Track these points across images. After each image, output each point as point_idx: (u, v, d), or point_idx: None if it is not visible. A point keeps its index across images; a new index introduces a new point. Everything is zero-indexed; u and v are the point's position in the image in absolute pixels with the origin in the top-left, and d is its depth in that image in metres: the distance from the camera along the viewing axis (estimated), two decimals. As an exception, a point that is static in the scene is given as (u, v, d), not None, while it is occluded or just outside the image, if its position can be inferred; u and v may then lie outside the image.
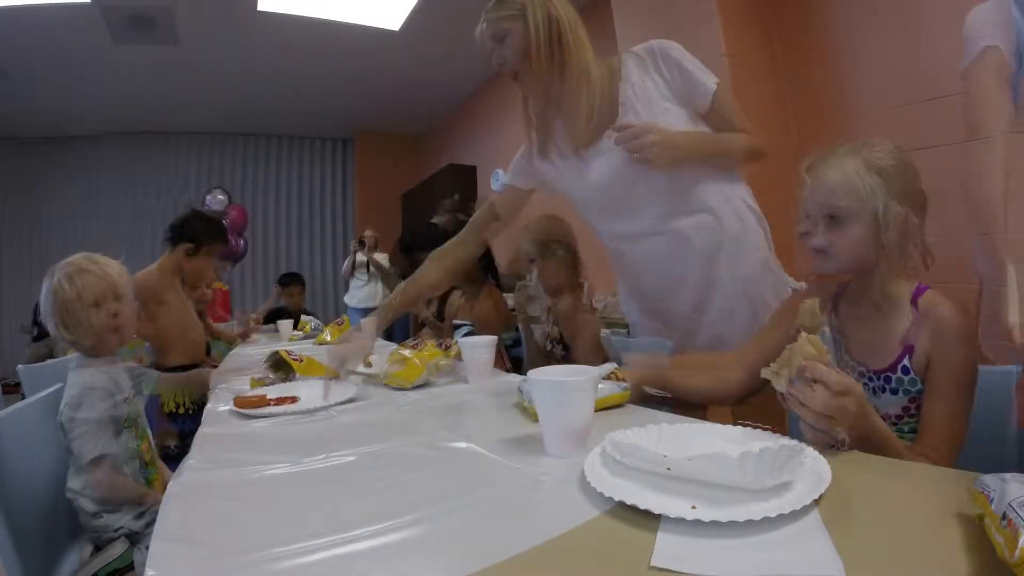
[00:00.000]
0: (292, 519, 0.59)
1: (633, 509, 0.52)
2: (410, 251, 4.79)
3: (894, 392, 0.88)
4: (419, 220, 6.11)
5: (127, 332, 1.23)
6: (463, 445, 0.81)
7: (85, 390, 1.11)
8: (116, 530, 1.10)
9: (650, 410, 0.97)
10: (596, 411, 0.84)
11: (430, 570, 0.48)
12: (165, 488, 1.22)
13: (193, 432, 1.32)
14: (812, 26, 2.45)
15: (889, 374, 0.88)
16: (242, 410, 1.05)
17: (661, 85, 1.21)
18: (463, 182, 5.40)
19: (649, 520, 0.51)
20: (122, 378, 1.23)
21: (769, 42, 2.56)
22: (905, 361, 0.86)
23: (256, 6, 3.65)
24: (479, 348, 1.27)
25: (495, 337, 1.29)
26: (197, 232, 2.02)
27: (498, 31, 1.18)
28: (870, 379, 0.91)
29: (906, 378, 0.86)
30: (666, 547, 0.46)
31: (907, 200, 0.85)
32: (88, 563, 1.05)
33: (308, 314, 3.69)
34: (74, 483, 1.10)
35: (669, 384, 1.03)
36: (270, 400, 1.12)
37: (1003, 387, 0.92)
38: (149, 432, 1.31)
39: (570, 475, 0.65)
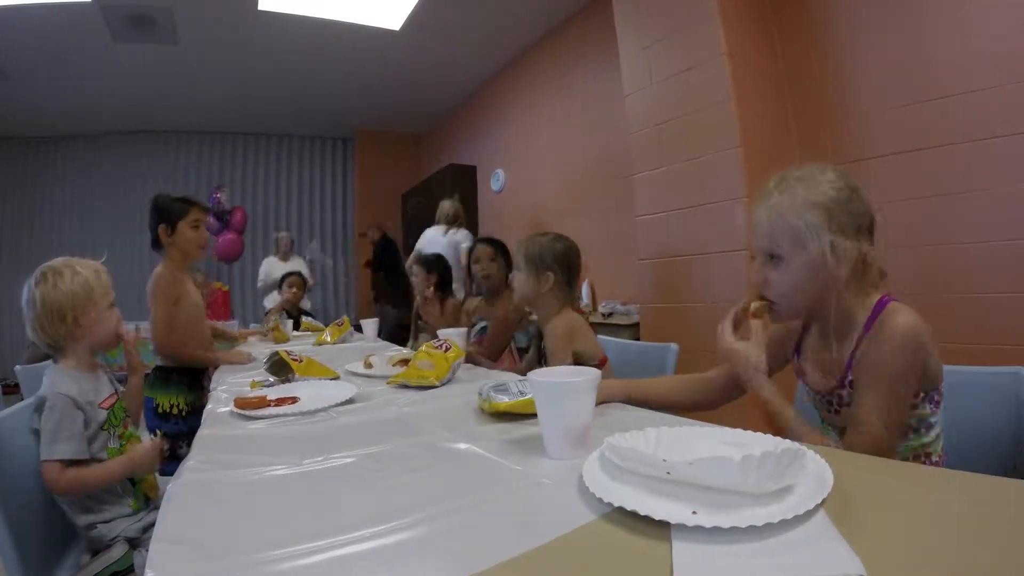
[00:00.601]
0: (292, 520, 0.59)
1: (633, 514, 0.52)
2: (377, 271, 4.88)
3: (848, 405, 0.87)
4: (419, 220, 6.11)
5: (99, 337, 1.21)
6: (463, 446, 0.81)
7: (46, 394, 1.10)
8: (113, 538, 1.09)
9: (649, 411, 0.97)
10: (512, 415, 0.92)
11: (430, 571, 0.47)
12: (150, 490, 1.22)
13: (184, 434, 1.31)
14: (812, 26, 2.45)
15: (840, 391, 0.88)
16: (242, 411, 1.05)
17: None
18: (463, 182, 5.40)
19: (648, 525, 0.50)
20: (95, 383, 1.20)
21: (769, 42, 2.56)
22: (849, 375, 0.86)
23: (256, 6, 3.65)
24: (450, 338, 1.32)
25: (464, 329, 1.40)
26: (165, 210, 1.98)
27: None
28: (826, 402, 0.92)
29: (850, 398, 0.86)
30: (683, 557, 0.45)
31: (854, 229, 0.83)
32: (88, 565, 1.04)
33: (307, 314, 3.70)
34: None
35: (640, 399, 1.03)
36: (270, 401, 1.12)
37: (1007, 386, 0.92)
38: (140, 434, 1.30)
39: (570, 477, 0.65)
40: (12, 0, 3.34)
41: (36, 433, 1.07)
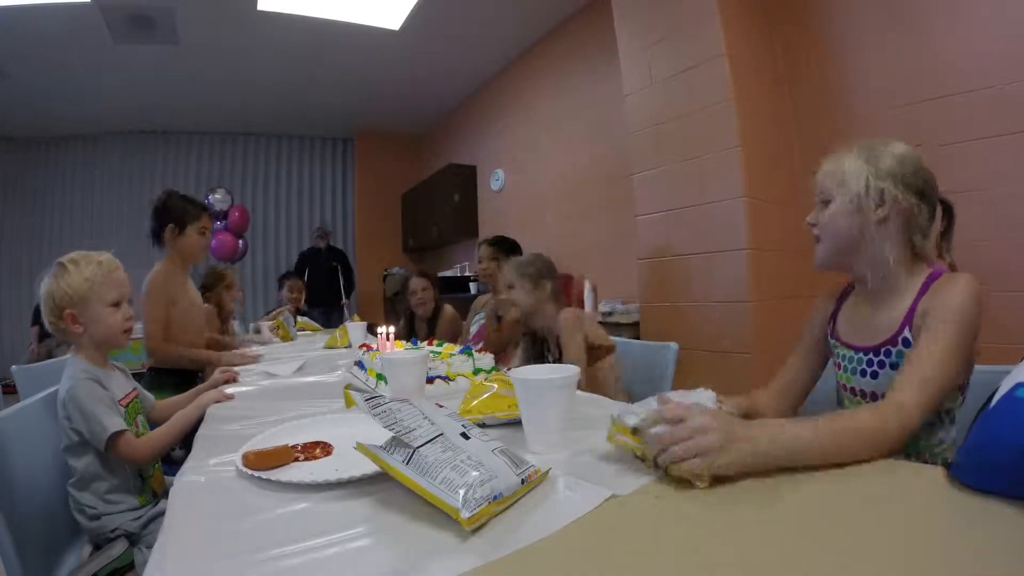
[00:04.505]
0: (293, 519, 0.59)
1: (620, 505, 0.52)
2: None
3: (893, 367, 0.87)
4: (419, 220, 6.12)
5: (99, 336, 1.18)
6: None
7: (73, 382, 1.10)
8: (113, 530, 1.09)
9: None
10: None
11: (431, 566, 0.48)
12: (159, 488, 1.22)
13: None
14: (812, 26, 2.45)
15: (889, 347, 0.88)
16: (255, 472, 0.71)
17: None
18: (463, 182, 5.40)
19: (637, 513, 0.50)
20: (109, 380, 1.19)
21: (769, 42, 2.56)
22: (905, 332, 0.86)
23: (256, 6, 3.65)
24: (406, 366, 1.09)
25: (425, 353, 1.19)
26: (178, 210, 1.98)
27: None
28: (863, 356, 0.92)
29: (907, 350, 0.85)
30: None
31: (904, 185, 0.87)
32: (88, 563, 1.04)
33: (304, 314, 3.69)
34: (79, 474, 1.09)
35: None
36: (294, 450, 0.79)
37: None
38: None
39: (554, 472, 0.66)
40: (12, 0, 3.34)
41: (68, 420, 1.08)
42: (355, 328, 2.37)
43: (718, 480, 0.60)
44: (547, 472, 0.64)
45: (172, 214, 1.97)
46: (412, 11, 3.82)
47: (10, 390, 4.86)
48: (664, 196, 2.58)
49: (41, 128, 5.70)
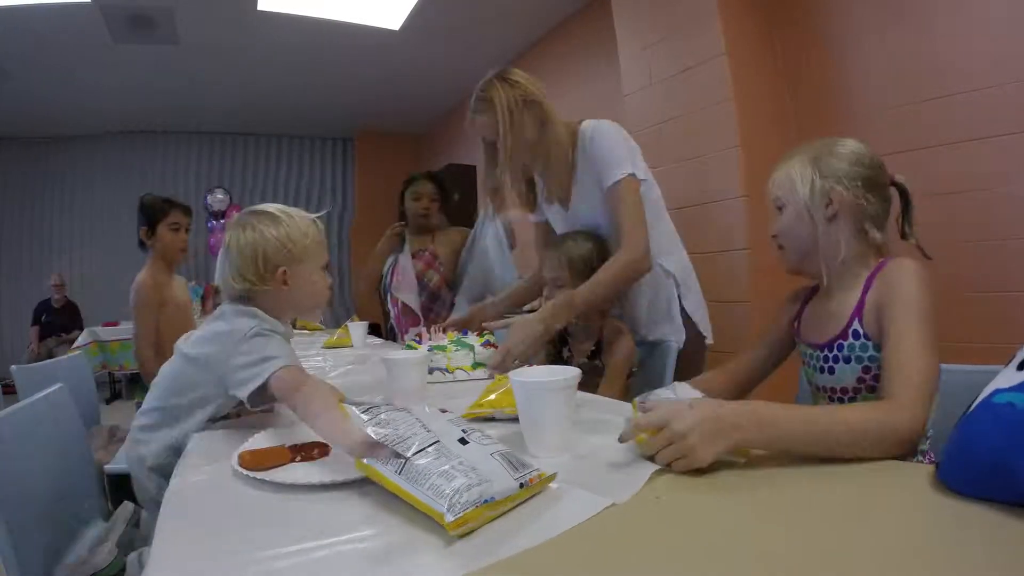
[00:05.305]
0: (284, 520, 0.59)
1: (618, 511, 0.52)
2: None
3: (847, 360, 0.89)
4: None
5: (303, 301, 1.06)
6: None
7: (252, 325, 0.96)
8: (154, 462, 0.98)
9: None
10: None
11: (426, 569, 0.48)
12: None
13: None
14: (812, 26, 2.45)
15: (841, 341, 0.89)
16: (251, 473, 0.70)
17: (588, 165, 1.45)
18: (463, 182, 5.39)
19: (635, 520, 0.50)
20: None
21: (769, 42, 2.56)
22: (855, 324, 0.88)
23: (256, 6, 3.65)
24: (408, 367, 1.09)
25: (424, 352, 1.17)
26: (147, 209, 1.99)
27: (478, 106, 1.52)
28: (819, 354, 0.94)
29: (857, 343, 0.87)
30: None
31: (853, 183, 0.89)
32: (76, 569, 1.03)
33: None
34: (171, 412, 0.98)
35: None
36: (291, 451, 0.77)
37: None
38: None
39: (556, 476, 0.65)
40: (12, 0, 3.34)
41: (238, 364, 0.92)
42: (356, 328, 2.36)
43: (722, 477, 0.61)
44: (552, 476, 0.63)
45: (143, 215, 1.98)
46: (412, 11, 3.82)
47: (10, 390, 4.86)
48: (664, 196, 2.57)
49: (41, 128, 5.71)
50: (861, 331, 0.87)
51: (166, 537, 0.56)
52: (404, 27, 4.04)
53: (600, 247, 1.47)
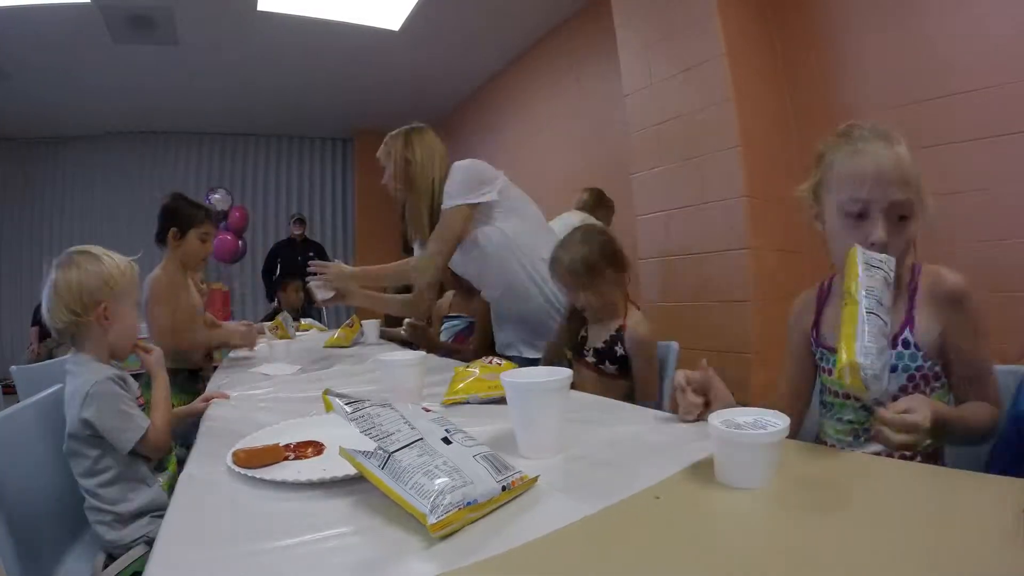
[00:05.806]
0: (274, 516, 0.60)
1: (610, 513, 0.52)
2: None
3: (892, 370, 0.81)
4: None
5: (119, 335, 1.15)
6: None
7: (91, 388, 1.06)
8: (134, 540, 1.07)
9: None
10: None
11: (389, 571, 0.48)
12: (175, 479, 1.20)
13: (176, 435, 1.29)
14: (812, 26, 2.45)
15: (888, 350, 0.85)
16: (246, 471, 0.71)
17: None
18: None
19: (634, 520, 0.50)
20: (126, 379, 1.17)
21: (769, 42, 2.56)
22: (905, 334, 0.83)
23: (256, 6, 3.65)
24: (404, 369, 1.09)
25: (422, 354, 1.17)
26: (182, 213, 1.99)
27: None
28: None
29: (907, 352, 0.83)
30: None
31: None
32: (109, 567, 1.03)
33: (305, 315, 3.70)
34: (95, 487, 1.06)
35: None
36: (285, 449, 0.79)
37: (1007, 386, 0.92)
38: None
39: (543, 476, 0.65)
40: (12, 0, 3.34)
41: (84, 423, 1.04)
42: (370, 326, 2.41)
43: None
44: (535, 479, 0.63)
45: (176, 217, 1.98)
46: (412, 11, 3.82)
47: (10, 390, 4.87)
48: (664, 196, 2.58)
49: (41, 128, 5.70)
50: (912, 340, 0.83)
51: (164, 535, 0.57)
52: (404, 27, 4.04)
53: (593, 245, 1.46)
